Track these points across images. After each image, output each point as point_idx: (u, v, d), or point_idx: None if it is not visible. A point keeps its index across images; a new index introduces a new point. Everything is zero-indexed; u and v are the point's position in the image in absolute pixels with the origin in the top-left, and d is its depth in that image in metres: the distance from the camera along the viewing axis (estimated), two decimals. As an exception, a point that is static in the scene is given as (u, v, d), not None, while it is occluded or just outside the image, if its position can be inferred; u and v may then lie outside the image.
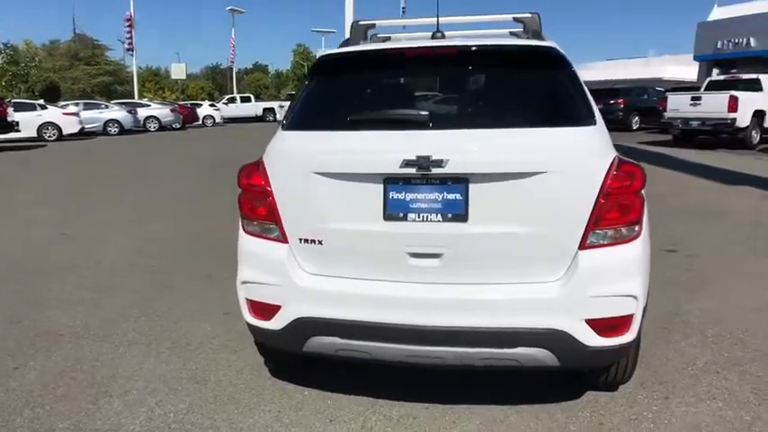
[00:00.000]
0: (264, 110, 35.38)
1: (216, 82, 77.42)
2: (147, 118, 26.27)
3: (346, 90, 2.53)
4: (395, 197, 2.19)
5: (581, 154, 2.13)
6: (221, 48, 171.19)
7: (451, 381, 2.79)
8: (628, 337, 2.17)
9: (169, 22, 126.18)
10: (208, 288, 4.35)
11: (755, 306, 3.80)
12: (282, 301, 2.32)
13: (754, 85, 14.79)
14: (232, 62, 48.31)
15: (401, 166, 2.12)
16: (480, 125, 2.19)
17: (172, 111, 27.57)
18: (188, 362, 3.13)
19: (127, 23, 34.80)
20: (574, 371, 2.52)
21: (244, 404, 2.69)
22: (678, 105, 14.98)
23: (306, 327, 2.28)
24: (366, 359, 2.31)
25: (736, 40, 28.01)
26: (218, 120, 32.27)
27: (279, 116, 23.22)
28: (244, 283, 2.41)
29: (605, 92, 21.50)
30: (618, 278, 2.13)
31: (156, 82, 67.52)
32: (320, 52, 2.66)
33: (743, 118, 13.81)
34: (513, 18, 3.01)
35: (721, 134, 14.29)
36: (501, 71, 2.37)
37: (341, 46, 2.87)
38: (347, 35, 10.22)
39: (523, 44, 2.40)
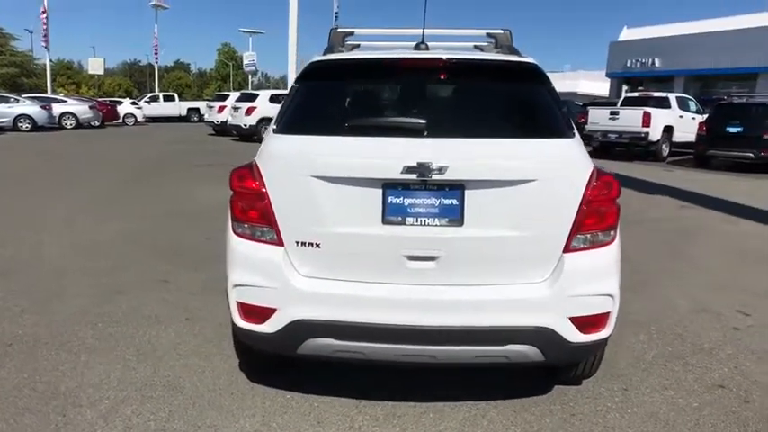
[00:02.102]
0: (189, 110, 34.13)
1: (134, 79, 73.72)
2: (64, 114, 24.56)
3: (342, 96, 2.57)
4: (393, 202, 2.26)
5: (566, 164, 2.31)
6: (139, 43, 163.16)
7: (431, 380, 2.89)
8: (605, 333, 2.36)
9: (84, 13, 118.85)
10: (164, 293, 4.20)
11: (689, 306, 4.19)
12: (278, 303, 2.32)
13: (664, 103, 16.17)
14: (156, 59, 46.21)
15: (402, 173, 2.20)
16: (474, 135, 2.31)
17: (91, 108, 25.93)
18: (158, 369, 3.03)
19: (42, 14, 32.41)
20: (554, 366, 2.69)
21: (226, 410, 2.65)
22: (598, 119, 16.06)
23: (302, 329, 2.29)
24: (360, 359, 2.36)
25: (643, 60, 30.44)
26: (139, 119, 30.74)
27: (207, 117, 22.44)
28: (236, 286, 2.38)
29: None
30: (597, 279, 2.32)
31: (68, 76, 63.30)
32: (315, 57, 2.67)
33: (655, 132, 15.04)
34: (487, 33, 3.18)
35: (636, 147, 15.47)
36: (490, 83, 2.51)
37: (325, 53, 2.91)
38: (291, 36, 10.21)
39: (510, 59, 2.55)
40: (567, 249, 2.29)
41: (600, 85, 37.80)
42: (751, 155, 12.82)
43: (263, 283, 2.33)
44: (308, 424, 2.56)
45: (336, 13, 25.68)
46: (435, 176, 2.19)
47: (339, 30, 3.17)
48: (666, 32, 34.06)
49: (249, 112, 17.94)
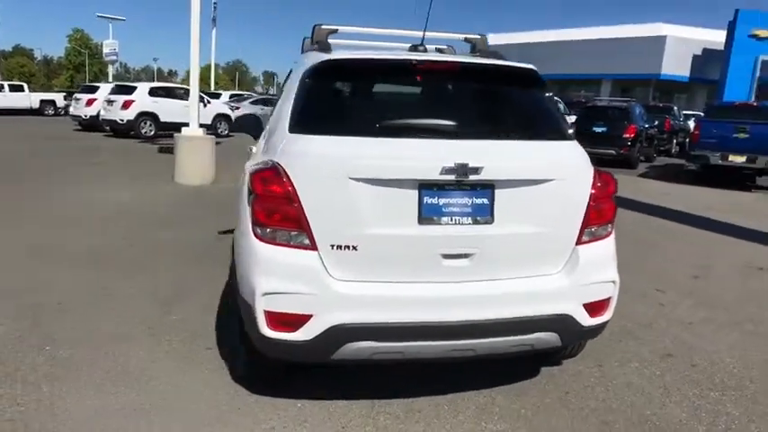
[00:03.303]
0: (43, 102, 30.41)
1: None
2: None
3: (362, 95, 2.54)
4: (429, 202, 2.30)
5: (577, 164, 2.51)
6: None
7: (433, 376, 2.97)
8: (608, 316, 2.61)
9: None
10: (109, 303, 3.80)
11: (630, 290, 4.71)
12: (314, 310, 2.24)
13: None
14: (-7, 43, 40.31)
15: (441, 173, 2.25)
16: (499, 136, 2.43)
17: None
18: (141, 391, 2.76)
19: None
20: (565, 348, 2.88)
21: (241, 426, 2.51)
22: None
23: (341, 334, 2.25)
24: (399, 359, 2.37)
25: (507, 65, 33.06)
26: (-21, 111, 26.76)
27: (73, 110, 20.11)
28: (266, 294, 2.25)
29: None
30: (603, 268, 2.56)
31: None
32: (334, 55, 2.59)
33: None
34: (465, 39, 3.32)
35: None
36: (503, 87, 2.64)
37: (314, 47, 2.86)
38: (194, 29, 9.50)
39: (518, 65, 2.70)
40: (578, 242, 2.51)
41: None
42: (613, 152, 14.53)
43: (297, 290, 2.25)
44: (332, 430, 2.51)
45: (214, 17, 24.75)
46: (472, 177, 2.27)
47: (323, 27, 3.11)
48: (528, 39, 37.81)
49: (126, 105, 16.47)
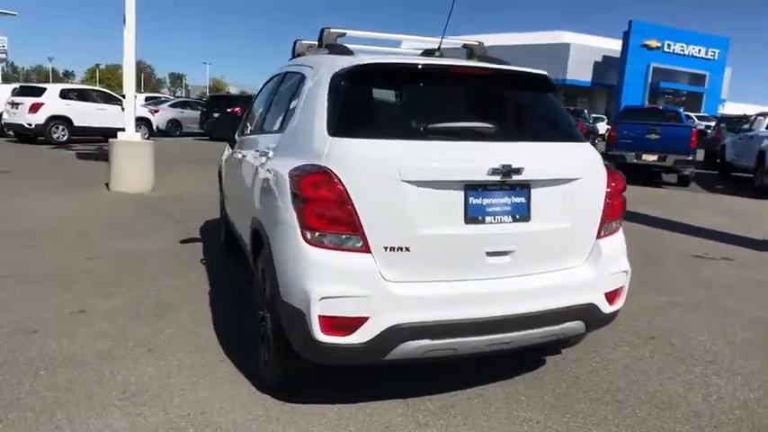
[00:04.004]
0: None
1: None
2: None
3: (402, 99, 2.58)
4: (474, 202, 2.40)
5: (596, 163, 2.72)
6: None
7: (451, 372, 3.06)
8: (621, 303, 2.84)
9: None
10: (91, 324, 3.55)
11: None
12: (370, 312, 2.26)
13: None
14: None
15: (487, 174, 2.35)
16: (532, 138, 2.58)
17: None
18: (169, 409, 2.63)
19: None
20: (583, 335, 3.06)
21: (286, 435, 2.47)
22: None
23: (398, 335, 2.28)
24: (450, 356, 2.44)
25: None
26: None
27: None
28: (322, 299, 2.24)
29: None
30: (619, 259, 2.79)
31: None
32: (368, 59, 2.61)
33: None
34: (464, 45, 3.45)
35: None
36: (527, 93, 2.80)
37: (325, 50, 2.90)
38: (128, 22, 9.07)
39: (536, 72, 2.86)
40: (598, 236, 2.71)
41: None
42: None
43: (354, 293, 2.26)
44: (378, 429, 2.54)
45: (124, 16, 23.49)
46: (514, 177, 2.39)
47: (332, 30, 3.12)
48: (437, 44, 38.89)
49: (35, 108, 15.16)
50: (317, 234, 2.30)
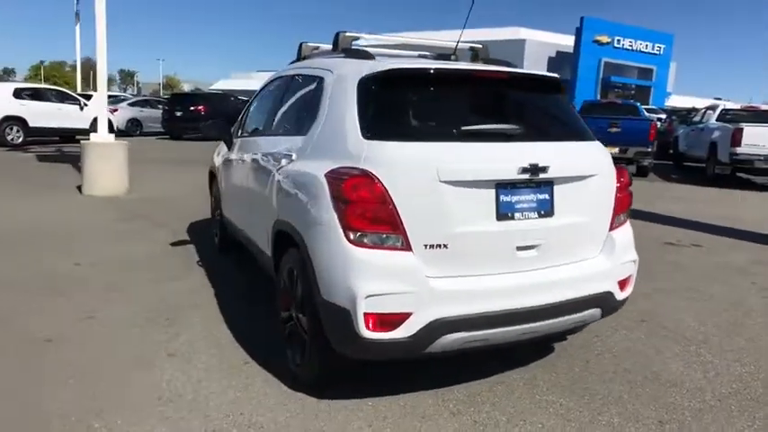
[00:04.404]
0: None
1: None
2: None
3: (432, 103, 2.67)
4: (504, 200, 2.53)
5: (607, 161, 2.90)
6: None
7: (467, 363, 3.18)
8: (630, 290, 3.04)
9: None
10: (104, 332, 3.51)
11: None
12: (414, 307, 2.37)
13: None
14: None
15: (518, 173, 2.49)
16: (553, 138, 2.73)
17: None
18: (210, 413, 2.65)
19: None
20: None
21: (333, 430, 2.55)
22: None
23: (439, 328, 2.40)
24: (483, 346, 2.58)
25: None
26: None
27: None
28: (369, 296, 2.33)
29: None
30: (628, 249, 2.98)
31: None
32: (395, 64, 2.68)
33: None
34: (470, 47, 3.59)
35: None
36: (542, 94, 2.95)
37: (341, 54, 3.01)
38: (99, 19, 8.83)
39: (548, 75, 3.01)
40: (611, 228, 2.90)
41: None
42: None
43: (398, 290, 2.36)
44: (416, 420, 2.65)
45: (77, 12, 22.75)
46: (541, 175, 2.54)
47: (347, 34, 3.20)
48: (396, 40, 39.17)
49: (-15, 109, 14.46)
50: (359, 234, 2.38)
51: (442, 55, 3.44)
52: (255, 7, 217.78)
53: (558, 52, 41.42)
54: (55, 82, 56.51)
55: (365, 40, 3.41)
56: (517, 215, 2.57)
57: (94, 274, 4.66)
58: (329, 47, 3.95)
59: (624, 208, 2.99)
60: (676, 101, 43.49)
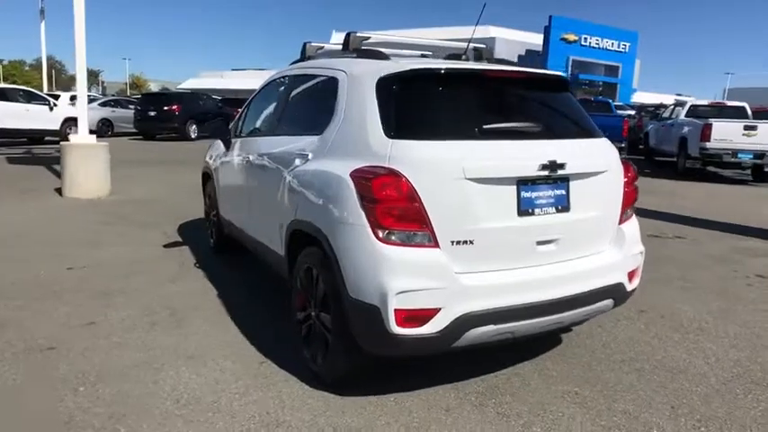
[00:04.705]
0: None
1: None
2: None
3: (451, 102, 2.70)
4: (525, 196, 2.59)
5: (616, 157, 2.99)
6: None
7: (479, 357, 3.24)
8: (638, 281, 3.14)
9: None
10: (107, 337, 3.45)
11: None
12: (443, 303, 2.40)
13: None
14: None
15: (538, 170, 2.56)
16: (568, 135, 2.80)
17: None
18: (235, 416, 2.64)
19: None
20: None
21: (360, 427, 2.56)
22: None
23: (467, 322, 2.44)
24: (508, 339, 2.63)
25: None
26: None
27: None
28: (400, 293, 2.35)
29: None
30: (635, 241, 3.08)
31: None
32: (415, 64, 2.69)
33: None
34: (474, 48, 3.64)
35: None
36: (551, 92, 3.03)
37: (353, 54, 3.03)
38: (77, 16, 8.73)
39: (557, 74, 3.08)
40: (620, 222, 2.99)
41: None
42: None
43: (428, 286, 2.39)
44: (440, 414, 2.69)
45: (42, 9, 22.11)
46: (559, 172, 2.61)
47: (358, 34, 3.21)
48: (389, 40, 39.47)
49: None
50: (388, 232, 2.41)
51: (453, 55, 3.48)
52: (225, 6, 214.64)
53: (527, 50, 42.04)
54: (14, 81, 54.51)
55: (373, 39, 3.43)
56: (537, 211, 2.64)
57: (89, 279, 4.56)
58: (332, 46, 3.96)
59: (631, 202, 3.09)
60: (641, 97, 44.66)
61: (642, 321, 3.95)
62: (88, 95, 23.64)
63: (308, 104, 3.47)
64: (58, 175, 9.56)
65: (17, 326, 3.59)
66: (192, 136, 19.71)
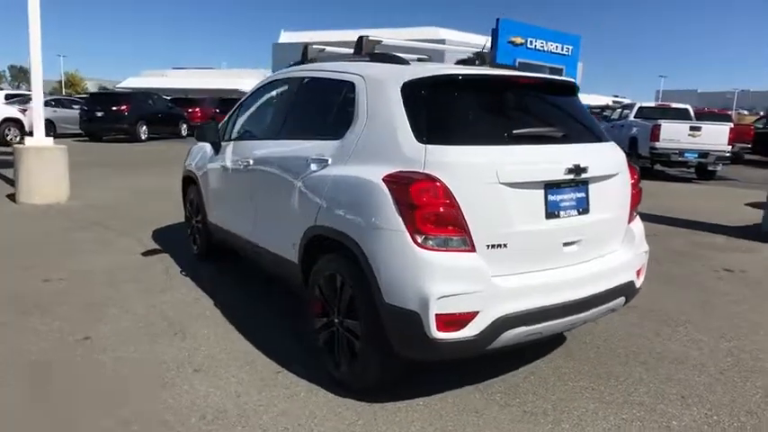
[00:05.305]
0: None
1: None
2: None
3: (478, 107, 2.73)
4: (551, 199, 2.66)
5: (624, 159, 3.11)
6: None
7: (492, 358, 3.31)
8: (643, 277, 3.28)
9: None
10: (105, 353, 3.28)
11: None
12: (481, 306, 2.43)
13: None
14: None
15: (564, 174, 2.63)
16: (585, 140, 2.90)
17: None
18: (267, 429, 2.58)
19: None
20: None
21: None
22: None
23: (503, 324, 2.48)
24: (537, 339, 2.69)
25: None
26: None
27: None
28: (441, 297, 2.36)
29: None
30: (642, 240, 3.22)
31: None
32: (441, 70, 2.69)
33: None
34: (476, 53, 3.70)
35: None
36: (564, 98, 3.11)
37: (355, 55, 3.03)
38: (32, 15, 8.28)
39: (568, 80, 3.17)
40: (629, 222, 3.12)
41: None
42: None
43: (467, 290, 2.41)
44: (471, 416, 2.72)
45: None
46: (582, 175, 2.70)
47: (371, 38, 3.20)
48: (319, 38, 39.37)
49: None
50: (425, 237, 2.41)
51: (463, 60, 3.53)
52: (164, 3, 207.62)
53: (475, 52, 42.99)
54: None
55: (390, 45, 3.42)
56: (562, 213, 2.71)
57: (70, 290, 4.32)
58: (336, 49, 3.91)
59: (637, 202, 3.23)
60: (584, 99, 46.52)
61: (634, 316, 4.12)
62: (22, 95, 22.20)
63: (321, 109, 3.42)
64: (7, 180, 9.01)
65: (4, 342, 3.36)
66: (143, 137, 18.95)
